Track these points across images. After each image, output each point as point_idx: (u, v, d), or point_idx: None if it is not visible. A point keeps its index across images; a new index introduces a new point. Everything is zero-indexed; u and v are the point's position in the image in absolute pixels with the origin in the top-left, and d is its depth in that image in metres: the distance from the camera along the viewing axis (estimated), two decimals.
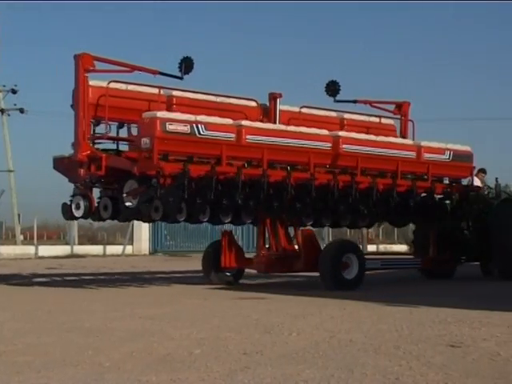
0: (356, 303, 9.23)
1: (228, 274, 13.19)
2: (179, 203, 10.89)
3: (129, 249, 31.36)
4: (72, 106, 11.55)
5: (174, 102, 11.96)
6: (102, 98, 11.36)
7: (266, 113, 12.95)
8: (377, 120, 14.37)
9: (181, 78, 11.84)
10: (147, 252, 32.04)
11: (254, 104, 12.89)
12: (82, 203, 11.70)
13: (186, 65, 11.74)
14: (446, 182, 14.26)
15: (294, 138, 11.88)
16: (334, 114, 13.82)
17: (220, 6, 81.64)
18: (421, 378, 4.66)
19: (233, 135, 11.27)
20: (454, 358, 5.28)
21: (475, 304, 8.99)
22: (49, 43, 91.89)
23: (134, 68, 11.75)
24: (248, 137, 11.39)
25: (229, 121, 11.42)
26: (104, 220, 12.25)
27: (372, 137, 12.98)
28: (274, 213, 12.17)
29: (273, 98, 12.98)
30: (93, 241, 38.23)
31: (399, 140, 13.77)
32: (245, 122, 11.58)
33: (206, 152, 11.23)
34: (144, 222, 17.31)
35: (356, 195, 12.36)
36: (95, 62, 11.50)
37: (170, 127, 10.74)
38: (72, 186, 12.04)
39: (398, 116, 14.69)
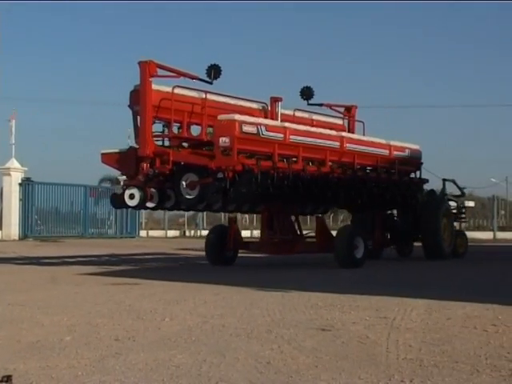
0: (230, 288, 9.28)
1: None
2: (252, 194, 12.52)
3: None
4: (129, 106, 13.06)
5: (206, 104, 13.39)
6: (163, 101, 12.85)
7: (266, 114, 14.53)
8: (339, 122, 16.53)
9: (210, 83, 13.30)
10: (17, 237, 31.20)
11: (255, 106, 14.51)
12: (137, 194, 12.97)
13: (215, 71, 13.14)
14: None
15: (320, 138, 13.92)
16: (306, 115, 15.65)
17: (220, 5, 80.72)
18: (292, 361, 4.73)
19: (282, 135, 13.06)
20: (325, 342, 5.39)
21: (346, 289, 9.20)
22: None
23: (179, 74, 13.18)
24: (291, 137, 13.24)
25: (277, 123, 13.57)
26: (165, 209, 15.38)
27: (363, 137, 15.45)
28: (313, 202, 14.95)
29: (274, 101, 14.62)
30: None
31: (377, 139, 15.67)
32: (288, 124, 13.51)
33: (264, 150, 12.94)
34: (201, 211, 20.13)
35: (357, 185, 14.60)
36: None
37: (245, 128, 12.44)
38: None
39: (354, 118, 16.84)
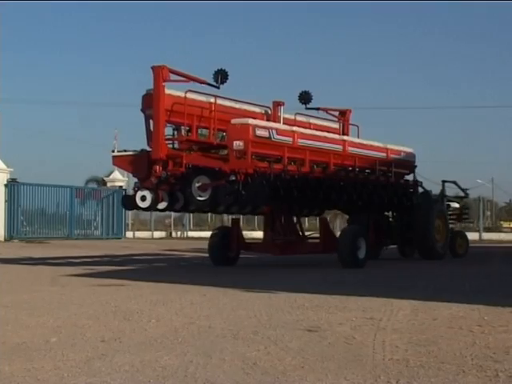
0: (216, 289, 9.28)
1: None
2: (263, 196, 12.83)
3: None
4: (142, 109, 13.36)
5: (213, 108, 13.65)
6: (175, 105, 13.10)
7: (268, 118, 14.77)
8: (334, 125, 16.76)
9: (217, 88, 13.56)
10: (2, 238, 31.06)
11: (258, 110, 14.77)
12: (148, 196, 13.26)
13: (222, 76, 13.42)
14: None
15: (325, 141, 14.37)
16: (304, 118, 15.90)
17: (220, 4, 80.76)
18: (278, 362, 4.73)
19: (291, 139, 13.49)
20: (311, 343, 5.40)
21: (333, 290, 9.21)
22: None
23: (190, 78, 13.47)
24: (299, 140, 13.67)
25: (287, 127, 13.90)
26: (174, 211, 16.33)
27: (364, 141, 15.79)
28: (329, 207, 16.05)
29: (276, 105, 14.95)
30: None
31: (376, 143, 16.12)
32: (296, 128, 13.93)
33: (275, 153, 13.36)
34: (213, 212, 19.70)
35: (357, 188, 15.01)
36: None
37: (258, 132, 12.87)
38: None
39: (348, 122, 17.12)
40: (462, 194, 20.21)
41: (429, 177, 20.01)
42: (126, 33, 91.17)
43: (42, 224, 34.18)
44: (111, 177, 41.37)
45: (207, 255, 15.00)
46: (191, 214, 43.54)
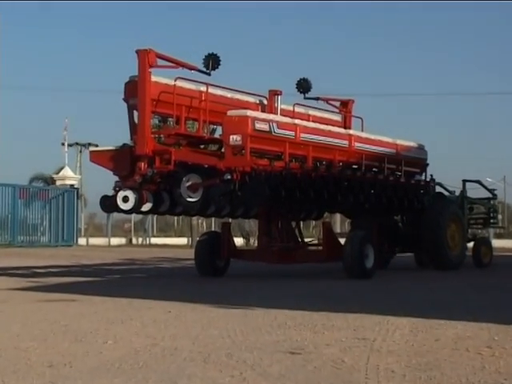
0: (183, 305, 9.27)
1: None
2: (262, 198, 12.99)
3: None
4: (124, 99, 13.46)
5: (205, 97, 13.82)
6: (162, 94, 13.24)
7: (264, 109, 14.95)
8: (335, 118, 17.02)
9: (208, 74, 13.66)
10: None
11: (253, 100, 14.93)
12: (131, 196, 13.28)
13: (213, 61, 13.51)
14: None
15: (329, 136, 14.56)
16: (303, 110, 16.09)
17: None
18: None
19: (293, 133, 13.65)
20: (294, 367, 5.40)
21: (319, 305, 9.24)
22: None
23: (179, 64, 13.56)
24: (302, 135, 13.83)
25: (288, 120, 14.05)
26: (161, 214, 15.69)
27: (371, 136, 15.90)
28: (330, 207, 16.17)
29: (273, 94, 15.09)
30: None
31: (384, 138, 16.36)
32: (298, 121, 14.12)
33: (275, 149, 13.60)
34: (201, 215, 19.27)
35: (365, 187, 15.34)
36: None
37: (257, 125, 12.99)
38: None
39: (350, 113, 17.32)
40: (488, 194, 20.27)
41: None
42: None
43: None
44: (61, 174, 41.26)
45: (173, 265, 15.03)
46: (155, 218, 43.59)
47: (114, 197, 13.57)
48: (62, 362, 5.61)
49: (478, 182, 20.06)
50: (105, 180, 14.12)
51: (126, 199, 13.37)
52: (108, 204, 13.92)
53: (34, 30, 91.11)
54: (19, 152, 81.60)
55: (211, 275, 14.46)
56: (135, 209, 13.67)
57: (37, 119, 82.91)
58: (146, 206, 13.69)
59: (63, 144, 50.71)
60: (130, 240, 44.07)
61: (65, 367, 5.42)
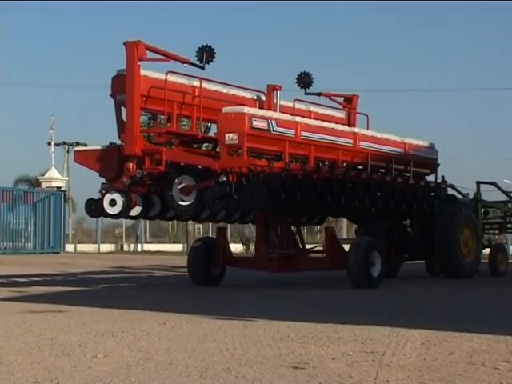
0: (179, 316, 9.26)
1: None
2: (263, 201, 12.83)
3: None
4: (111, 94, 13.39)
5: (198, 93, 13.79)
6: (152, 90, 13.19)
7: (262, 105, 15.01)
8: (339, 115, 17.05)
9: (202, 68, 13.66)
10: None
11: (250, 95, 14.98)
12: (119, 200, 13.19)
13: (207, 54, 13.52)
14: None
15: (333, 134, 14.54)
16: (303, 106, 16.12)
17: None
18: None
19: (293, 131, 13.61)
20: (298, 382, 5.40)
21: (323, 316, 9.23)
22: None
23: (170, 57, 13.50)
24: (303, 133, 13.78)
25: (288, 117, 14.01)
26: (151, 219, 15.88)
27: (378, 134, 15.84)
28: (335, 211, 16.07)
29: (272, 90, 15.10)
30: None
31: (392, 136, 16.32)
32: (298, 119, 14.04)
33: (274, 148, 13.57)
34: (194, 220, 19.03)
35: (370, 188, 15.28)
36: None
37: (255, 123, 12.90)
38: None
39: (350, 108, 17.38)
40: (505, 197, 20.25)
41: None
42: None
43: None
44: (47, 176, 41.21)
45: (166, 274, 15.02)
46: (147, 223, 43.54)
47: (101, 200, 13.45)
48: (48, 377, 5.59)
49: (494, 183, 20.03)
50: (95, 182, 14.01)
51: (113, 203, 13.28)
52: (94, 208, 13.79)
53: (17, 24, 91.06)
54: (2, 152, 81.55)
55: (205, 284, 14.46)
56: (123, 213, 13.57)
57: (21, 117, 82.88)
58: (135, 211, 13.62)
59: (50, 143, 50.79)
60: (122, 246, 44.02)
61: (51, 383, 5.41)
